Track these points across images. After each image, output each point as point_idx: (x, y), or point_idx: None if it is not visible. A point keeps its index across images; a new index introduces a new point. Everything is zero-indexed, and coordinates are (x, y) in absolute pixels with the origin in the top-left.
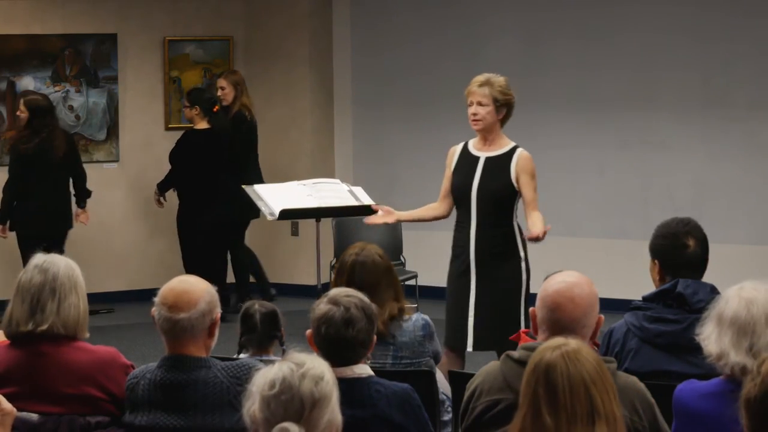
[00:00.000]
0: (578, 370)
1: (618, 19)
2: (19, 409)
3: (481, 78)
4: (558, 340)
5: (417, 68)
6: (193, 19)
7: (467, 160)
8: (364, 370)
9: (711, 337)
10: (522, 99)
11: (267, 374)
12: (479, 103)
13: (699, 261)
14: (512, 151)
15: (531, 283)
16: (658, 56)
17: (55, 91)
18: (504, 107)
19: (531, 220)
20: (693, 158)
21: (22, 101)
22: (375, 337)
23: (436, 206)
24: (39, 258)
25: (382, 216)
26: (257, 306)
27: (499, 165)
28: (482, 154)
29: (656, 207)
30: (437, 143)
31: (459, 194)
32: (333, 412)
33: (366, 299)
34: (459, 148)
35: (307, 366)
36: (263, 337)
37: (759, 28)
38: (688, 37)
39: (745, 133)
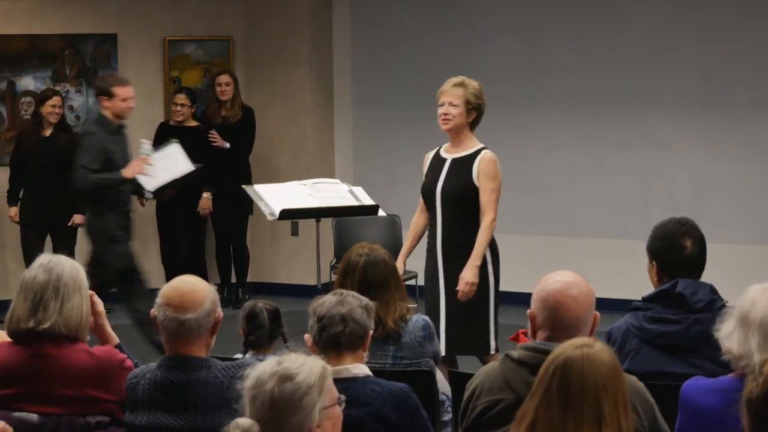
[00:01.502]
0: (592, 374)
1: (618, 19)
2: (20, 410)
3: (455, 79)
4: (583, 340)
5: (417, 68)
6: (193, 19)
7: (437, 162)
8: (361, 370)
9: (733, 336)
10: (522, 99)
11: (253, 370)
12: (451, 104)
13: (697, 261)
14: (477, 152)
15: (530, 284)
16: (658, 56)
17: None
18: (475, 111)
19: (476, 244)
20: (693, 158)
21: (56, 98)
22: (371, 329)
23: (420, 217)
24: (45, 257)
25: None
26: (261, 304)
27: (464, 166)
28: (450, 156)
29: (656, 207)
30: (437, 143)
31: (426, 195)
32: (305, 415)
33: (363, 297)
34: (432, 153)
35: (284, 366)
36: (272, 335)
37: (759, 28)
38: (688, 37)
39: (745, 133)
